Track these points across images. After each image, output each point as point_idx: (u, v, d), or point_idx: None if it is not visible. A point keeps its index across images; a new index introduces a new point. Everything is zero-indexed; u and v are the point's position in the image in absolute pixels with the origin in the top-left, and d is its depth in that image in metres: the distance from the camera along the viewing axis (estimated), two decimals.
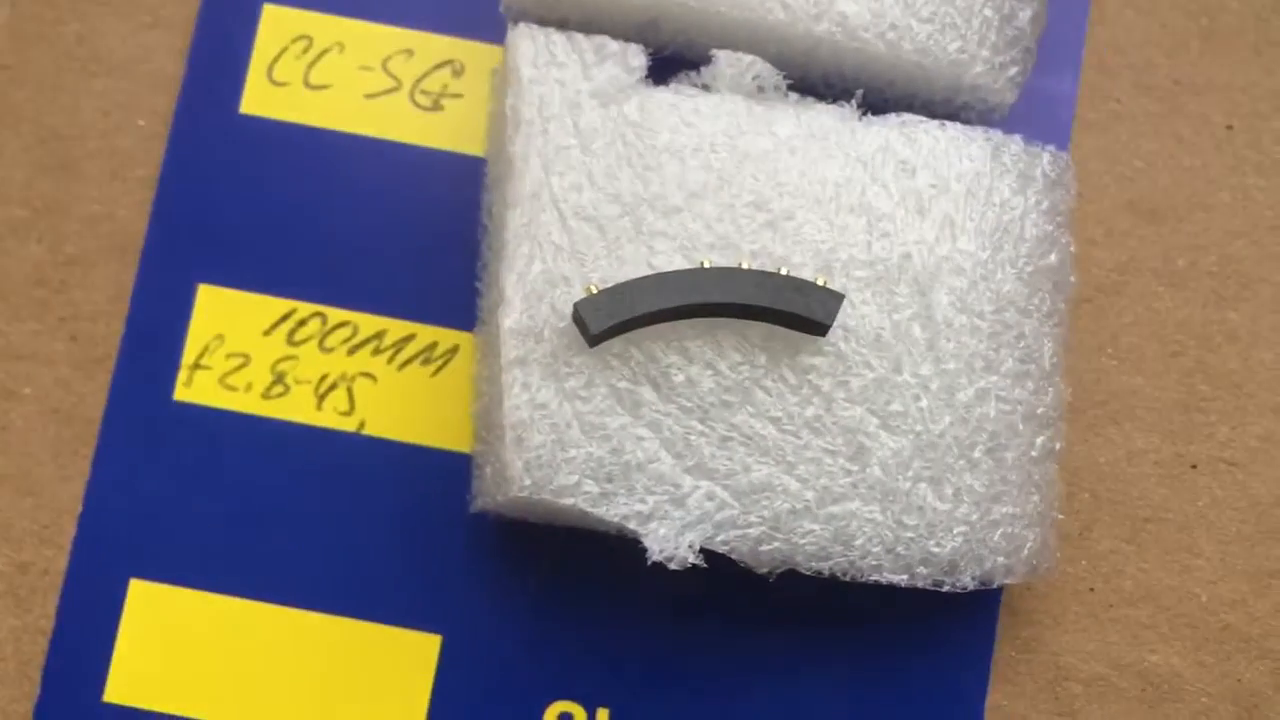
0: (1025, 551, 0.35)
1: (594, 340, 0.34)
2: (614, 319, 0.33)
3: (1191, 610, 0.38)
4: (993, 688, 0.38)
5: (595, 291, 0.34)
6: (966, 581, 0.35)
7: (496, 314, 0.35)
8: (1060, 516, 0.36)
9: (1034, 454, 0.35)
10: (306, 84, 0.40)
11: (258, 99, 0.40)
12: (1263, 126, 0.41)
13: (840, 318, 0.34)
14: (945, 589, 0.35)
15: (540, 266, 0.34)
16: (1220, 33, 0.41)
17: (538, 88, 0.35)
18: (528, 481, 0.33)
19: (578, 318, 0.33)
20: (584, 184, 0.35)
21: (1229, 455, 0.39)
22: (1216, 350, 0.40)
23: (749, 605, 0.37)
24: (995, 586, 0.35)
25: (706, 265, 0.34)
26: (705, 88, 0.36)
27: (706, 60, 0.37)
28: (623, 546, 0.35)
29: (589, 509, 0.34)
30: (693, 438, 0.34)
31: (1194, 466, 0.39)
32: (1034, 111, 0.40)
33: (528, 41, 0.35)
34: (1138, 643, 0.38)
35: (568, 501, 0.33)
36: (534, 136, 0.35)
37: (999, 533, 0.35)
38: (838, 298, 0.34)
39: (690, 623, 0.37)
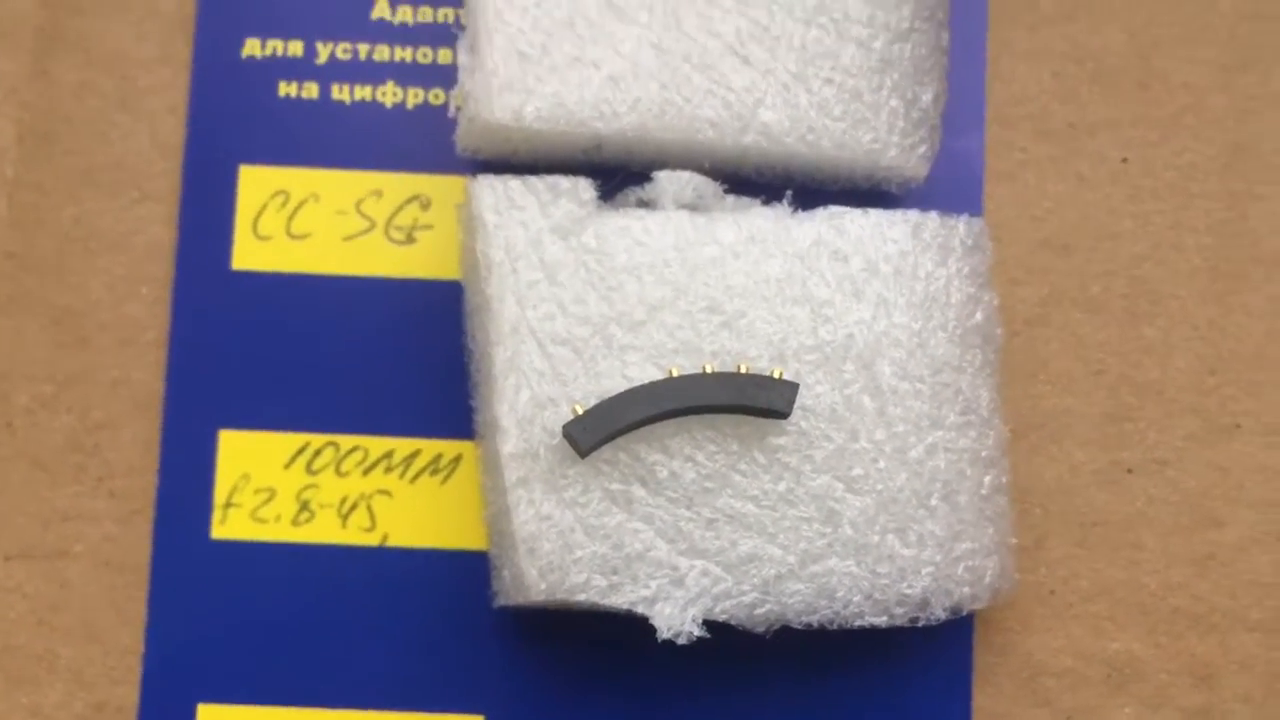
0: (987, 579, 0.40)
1: (584, 453, 0.38)
2: (599, 434, 0.37)
3: (1143, 599, 0.43)
4: (976, 690, 0.42)
5: (580, 412, 0.38)
6: (939, 614, 0.39)
7: (493, 437, 0.39)
8: (1015, 541, 0.41)
9: (984, 492, 0.40)
10: (289, 234, 0.44)
11: (246, 255, 0.43)
12: (1154, 155, 0.45)
13: (798, 400, 0.38)
14: (921, 624, 0.39)
15: (528, 394, 0.38)
16: (1107, 74, 0.45)
17: (503, 232, 0.39)
18: (543, 586, 0.38)
19: (569, 437, 0.38)
20: (556, 313, 0.39)
21: (1159, 456, 0.44)
22: (1137, 364, 0.44)
23: (751, 655, 0.41)
24: (964, 614, 0.40)
25: (674, 373, 0.38)
26: (650, 203, 0.40)
27: (649, 172, 0.41)
28: (633, 621, 0.39)
29: (600, 600, 0.38)
30: (683, 524, 0.38)
31: (1129, 471, 0.44)
32: (949, 170, 0.44)
33: (488, 191, 0.39)
34: (1099, 634, 0.43)
35: (580, 597, 0.38)
36: (505, 276, 0.39)
37: (962, 567, 0.39)
38: (793, 387, 0.38)
39: (703, 680, 0.41)
